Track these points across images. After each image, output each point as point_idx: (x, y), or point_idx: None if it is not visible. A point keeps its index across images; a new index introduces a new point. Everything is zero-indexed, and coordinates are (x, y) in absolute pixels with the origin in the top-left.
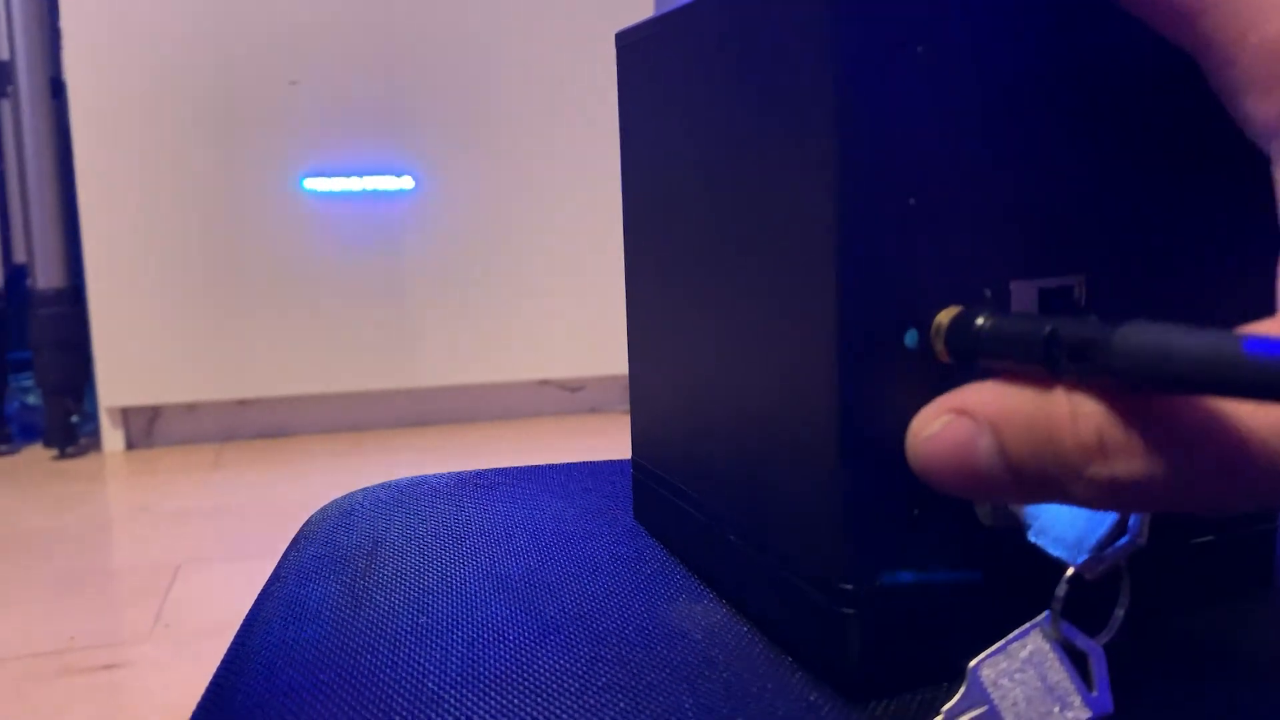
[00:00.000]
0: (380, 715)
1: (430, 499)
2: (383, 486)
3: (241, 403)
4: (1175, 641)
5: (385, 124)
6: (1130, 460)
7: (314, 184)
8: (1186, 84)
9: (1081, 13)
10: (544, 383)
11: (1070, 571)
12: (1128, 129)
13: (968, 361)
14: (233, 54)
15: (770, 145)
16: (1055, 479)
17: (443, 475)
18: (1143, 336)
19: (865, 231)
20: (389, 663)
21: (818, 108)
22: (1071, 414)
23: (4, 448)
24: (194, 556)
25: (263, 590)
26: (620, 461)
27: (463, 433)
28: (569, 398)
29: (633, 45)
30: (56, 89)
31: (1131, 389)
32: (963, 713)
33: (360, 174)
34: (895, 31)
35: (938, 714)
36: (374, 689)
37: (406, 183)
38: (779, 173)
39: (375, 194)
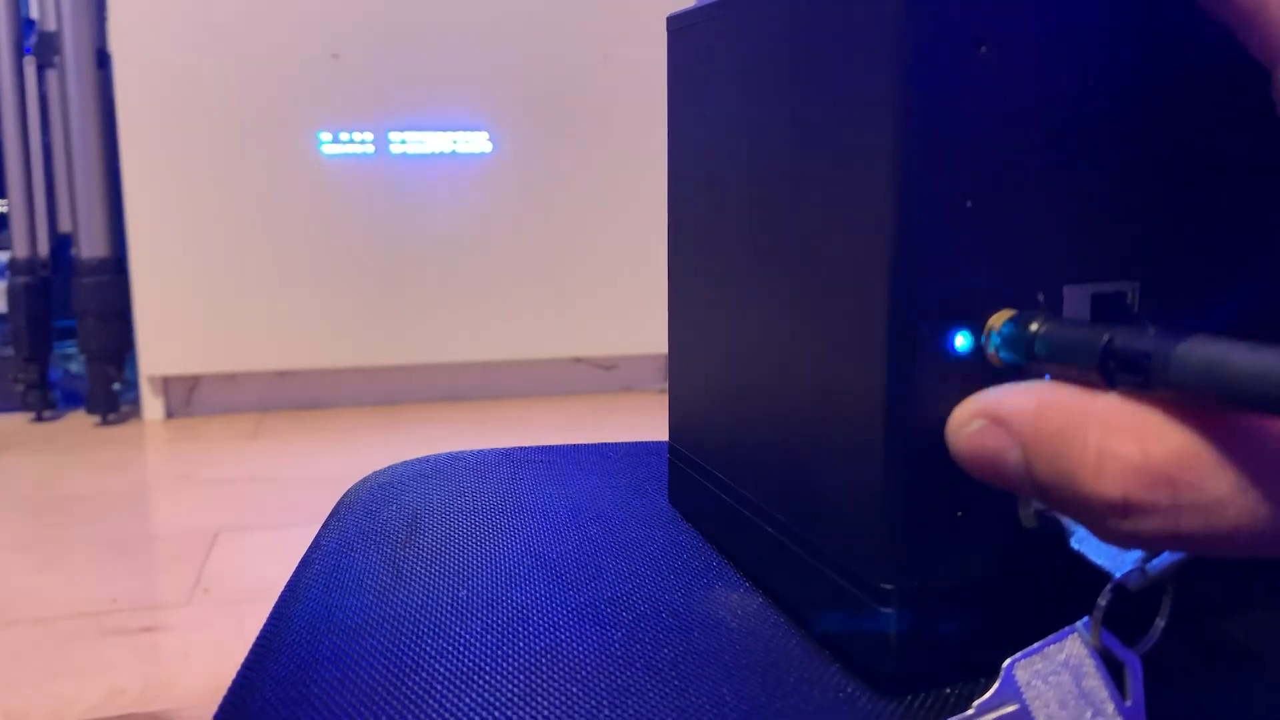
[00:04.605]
0: (421, 685)
1: (469, 474)
2: (422, 460)
3: (280, 374)
4: (1213, 645)
5: (425, 101)
6: (1150, 519)
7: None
8: (1247, 90)
9: (1141, 17)
10: (578, 360)
11: (1114, 582)
12: (1185, 134)
13: (1019, 366)
14: (278, 26)
15: (827, 140)
16: (1079, 516)
17: (481, 451)
18: (1205, 352)
19: (921, 233)
20: (430, 634)
21: (880, 107)
22: (1097, 461)
23: (48, 413)
24: (232, 524)
25: (304, 558)
26: (656, 443)
27: (496, 409)
28: (603, 376)
29: (685, 30)
30: (102, 60)
31: (1186, 404)
32: (994, 709)
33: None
34: (961, 32)
35: (969, 707)
36: (415, 659)
37: (445, 158)
38: (835, 169)
39: (411, 172)
